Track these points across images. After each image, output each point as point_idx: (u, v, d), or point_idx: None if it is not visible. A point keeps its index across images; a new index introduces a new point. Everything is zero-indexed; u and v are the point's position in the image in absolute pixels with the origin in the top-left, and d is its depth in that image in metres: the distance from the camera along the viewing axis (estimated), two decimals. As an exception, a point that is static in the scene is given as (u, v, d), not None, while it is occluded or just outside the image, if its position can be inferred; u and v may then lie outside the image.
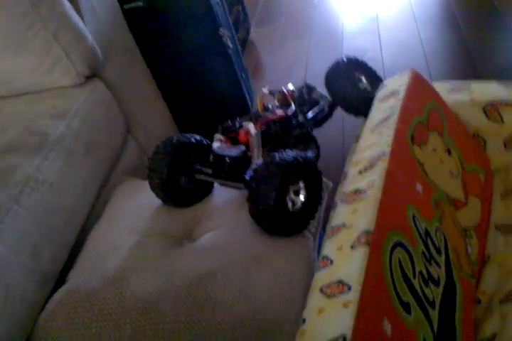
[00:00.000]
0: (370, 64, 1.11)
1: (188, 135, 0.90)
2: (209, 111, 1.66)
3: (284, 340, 0.63)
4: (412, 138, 0.84)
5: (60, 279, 0.83)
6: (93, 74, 1.06)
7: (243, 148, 0.86)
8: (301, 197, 0.79)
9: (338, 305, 0.54)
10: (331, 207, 0.78)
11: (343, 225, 0.66)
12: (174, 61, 1.55)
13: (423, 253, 0.69)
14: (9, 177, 0.81)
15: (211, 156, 0.87)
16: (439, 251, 0.73)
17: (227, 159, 0.85)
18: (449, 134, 0.94)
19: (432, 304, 0.65)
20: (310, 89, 1.05)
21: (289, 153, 0.76)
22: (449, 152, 0.92)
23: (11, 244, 0.73)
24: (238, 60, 1.74)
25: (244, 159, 0.85)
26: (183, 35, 1.53)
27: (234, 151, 0.86)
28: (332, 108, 1.06)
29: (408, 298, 0.61)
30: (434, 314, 0.64)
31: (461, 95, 1.05)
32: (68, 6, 1.04)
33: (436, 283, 0.68)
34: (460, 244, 0.83)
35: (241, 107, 1.72)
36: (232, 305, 0.67)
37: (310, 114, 1.03)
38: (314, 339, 0.52)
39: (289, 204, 0.76)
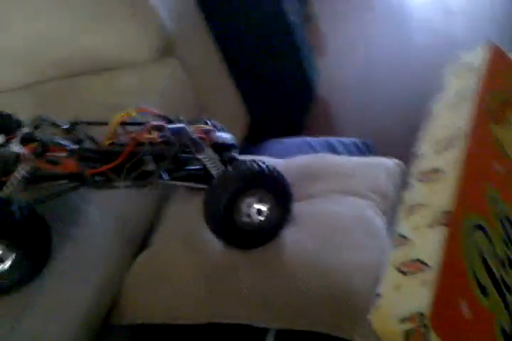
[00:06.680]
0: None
1: None
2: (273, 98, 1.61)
3: (357, 312, 0.64)
4: (492, 116, 0.80)
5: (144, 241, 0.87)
6: (168, 52, 1.06)
7: None
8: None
9: (416, 282, 0.53)
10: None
11: (420, 205, 0.65)
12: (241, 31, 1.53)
13: (501, 237, 0.66)
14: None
15: None
16: (517, 236, 0.70)
17: None
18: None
19: (510, 289, 0.63)
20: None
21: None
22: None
23: (101, 208, 0.78)
24: (301, 36, 1.70)
25: None
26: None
27: None
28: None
29: (486, 281, 0.59)
30: (511, 299, 0.62)
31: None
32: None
33: (515, 269, 0.66)
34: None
35: (304, 90, 1.68)
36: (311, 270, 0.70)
37: None
38: (390, 313, 0.52)
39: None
